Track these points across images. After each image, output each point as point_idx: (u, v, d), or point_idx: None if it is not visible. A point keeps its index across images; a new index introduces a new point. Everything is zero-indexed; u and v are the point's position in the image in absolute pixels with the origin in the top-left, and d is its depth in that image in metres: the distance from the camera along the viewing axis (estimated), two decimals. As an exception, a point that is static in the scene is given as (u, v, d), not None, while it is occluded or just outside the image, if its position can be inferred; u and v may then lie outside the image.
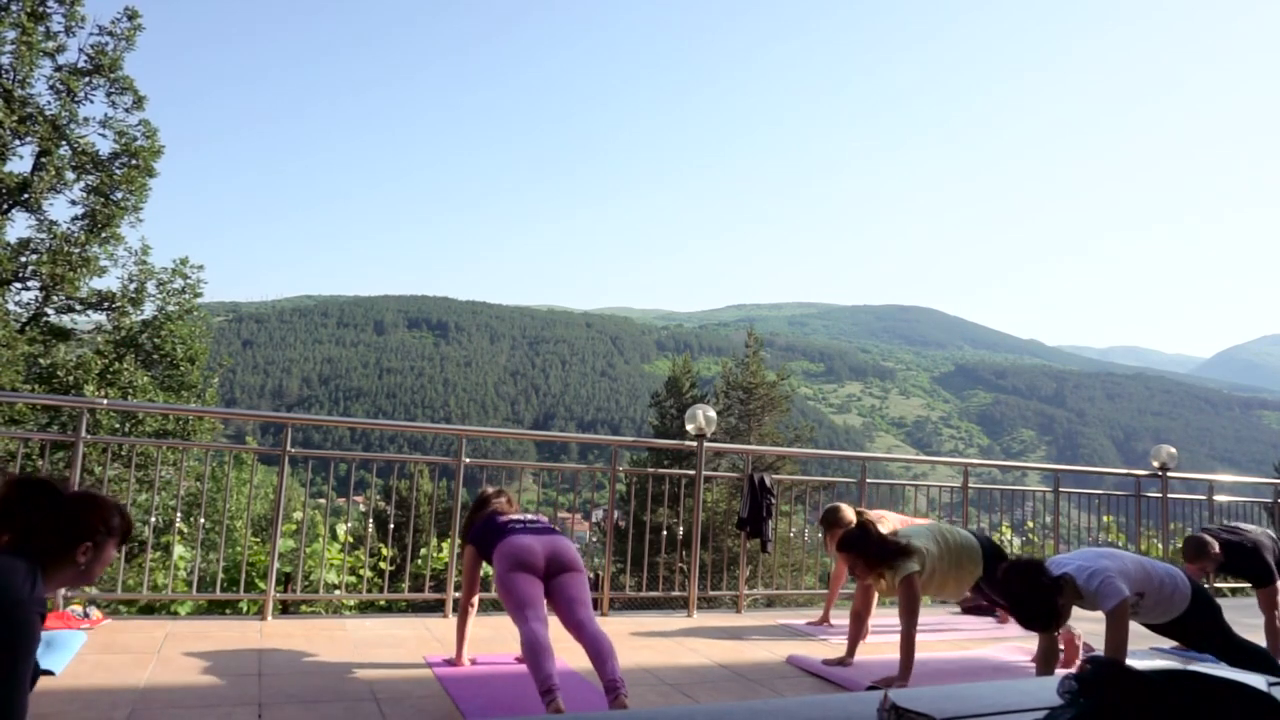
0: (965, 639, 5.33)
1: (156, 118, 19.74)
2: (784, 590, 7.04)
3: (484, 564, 3.83)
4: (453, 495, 5.51)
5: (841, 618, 5.52)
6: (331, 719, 3.13)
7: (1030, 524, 9.82)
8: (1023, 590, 3.51)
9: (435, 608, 5.75)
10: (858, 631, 4.48)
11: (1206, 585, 5.11)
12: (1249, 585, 4.99)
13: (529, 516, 3.77)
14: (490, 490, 4.06)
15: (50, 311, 16.25)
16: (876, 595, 4.61)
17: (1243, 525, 5.31)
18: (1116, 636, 3.60)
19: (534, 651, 3.15)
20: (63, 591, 4.46)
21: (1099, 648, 4.55)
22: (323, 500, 11.34)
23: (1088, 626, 5.98)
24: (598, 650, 3.25)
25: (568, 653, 3.87)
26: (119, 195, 16.36)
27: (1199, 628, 3.91)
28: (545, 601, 3.44)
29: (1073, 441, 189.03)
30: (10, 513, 2.03)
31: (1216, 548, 4.85)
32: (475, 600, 3.98)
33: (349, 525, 7.52)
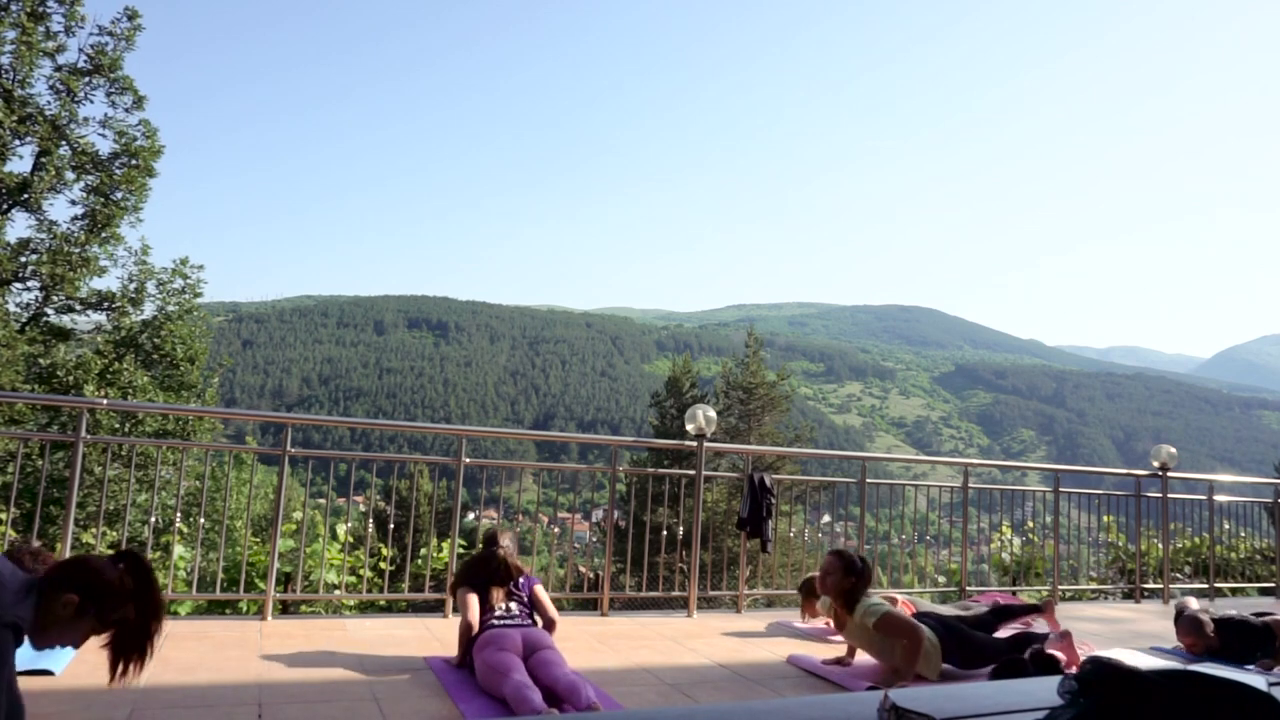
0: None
1: (156, 118, 19.73)
2: (784, 590, 7.04)
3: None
4: (453, 495, 5.50)
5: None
6: (331, 719, 3.13)
7: (1030, 524, 9.82)
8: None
9: (435, 608, 5.75)
10: None
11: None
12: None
13: (513, 610, 3.88)
14: (497, 530, 4.18)
15: (50, 311, 16.24)
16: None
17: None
18: None
19: (518, 695, 3.23)
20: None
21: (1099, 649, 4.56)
22: (323, 500, 11.34)
23: (1088, 627, 5.99)
24: (572, 688, 3.33)
25: (570, 653, 3.87)
26: (119, 195, 16.35)
27: None
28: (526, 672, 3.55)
29: (1073, 441, 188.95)
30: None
31: (1211, 629, 4.80)
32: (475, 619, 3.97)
33: (349, 525, 7.52)
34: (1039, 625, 5.22)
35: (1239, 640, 4.76)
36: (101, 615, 2.07)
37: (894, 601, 5.23)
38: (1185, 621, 4.87)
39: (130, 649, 2.09)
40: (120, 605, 2.08)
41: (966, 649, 4.36)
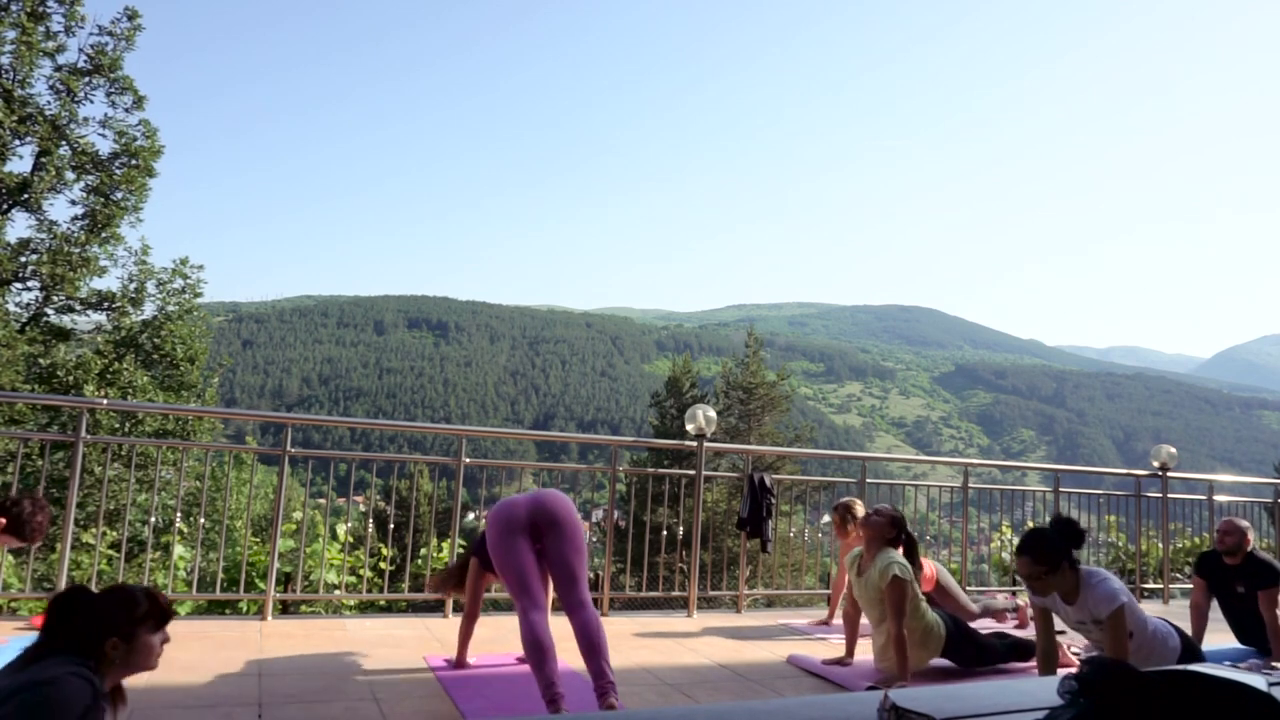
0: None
1: (156, 118, 19.74)
2: (784, 590, 7.04)
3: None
4: (453, 495, 5.50)
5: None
6: (331, 719, 3.13)
7: (1030, 524, 9.80)
8: (1040, 531, 3.62)
9: (435, 608, 5.75)
10: (853, 633, 4.50)
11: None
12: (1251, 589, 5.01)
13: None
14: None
15: (50, 311, 16.24)
16: None
17: None
18: (1115, 639, 3.57)
19: (537, 651, 3.12)
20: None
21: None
22: (323, 500, 11.34)
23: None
24: (589, 641, 3.19)
25: (568, 653, 3.87)
26: (119, 195, 16.35)
27: None
28: (539, 573, 3.34)
29: (1073, 441, 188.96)
30: (50, 625, 2.05)
31: (1250, 540, 4.95)
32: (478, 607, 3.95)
33: (349, 525, 7.52)
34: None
35: (1257, 561, 4.90)
36: (160, 619, 2.16)
37: (921, 568, 5.34)
38: (1228, 521, 5.00)
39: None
40: (144, 606, 2.14)
41: (972, 649, 4.38)
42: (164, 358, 16.47)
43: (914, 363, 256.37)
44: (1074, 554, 3.56)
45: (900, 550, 4.29)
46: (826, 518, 8.62)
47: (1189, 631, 5.22)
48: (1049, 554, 3.50)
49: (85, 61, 16.05)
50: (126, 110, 16.50)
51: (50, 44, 15.71)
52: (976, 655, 4.40)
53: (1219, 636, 5.24)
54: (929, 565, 5.69)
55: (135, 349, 16.26)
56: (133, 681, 3.39)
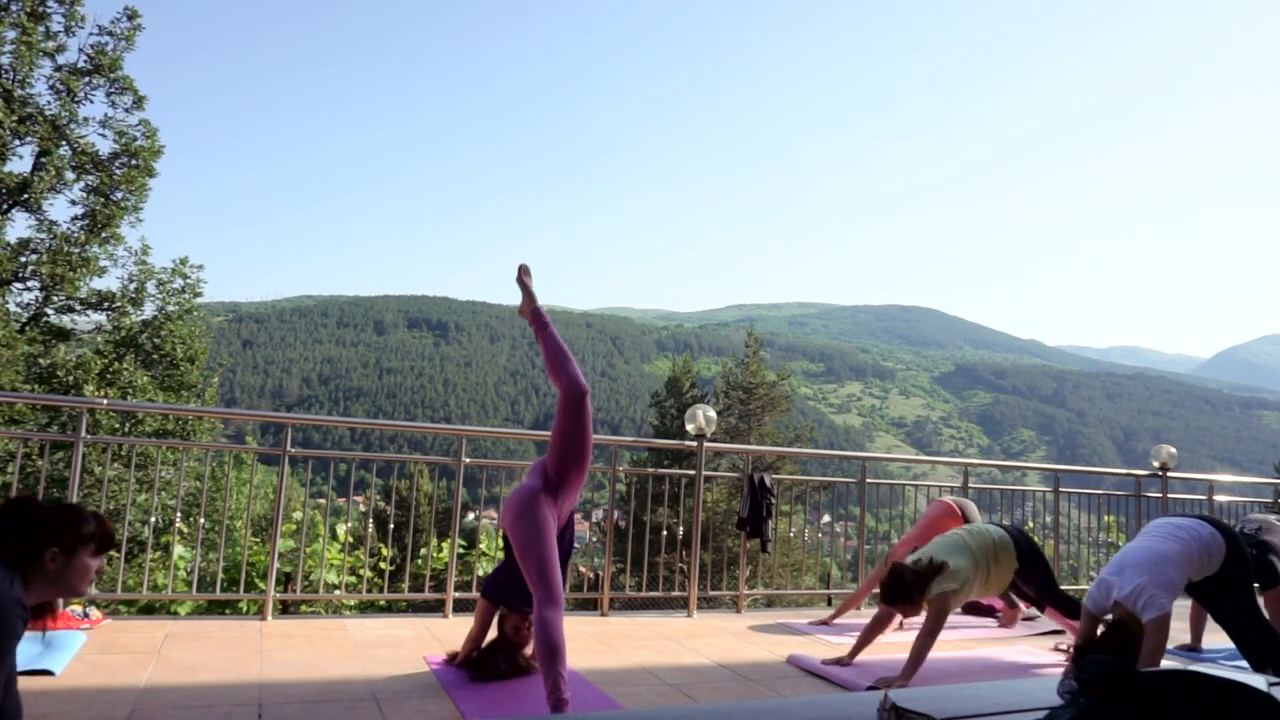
0: (965, 639, 5.33)
1: (156, 118, 19.72)
2: (784, 590, 7.04)
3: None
4: (453, 495, 5.50)
5: (846, 620, 5.52)
6: (331, 719, 3.13)
7: (1030, 524, 9.80)
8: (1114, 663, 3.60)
9: (435, 608, 5.75)
10: (870, 636, 4.40)
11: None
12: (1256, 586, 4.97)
13: None
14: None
15: (50, 311, 16.23)
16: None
17: (1255, 515, 5.18)
18: (1154, 644, 3.51)
19: (549, 652, 3.12)
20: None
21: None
22: (323, 500, 11.35)
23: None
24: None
25: (571, 653, 3.86)
26: (119, 195, 16.33)
27: (1227, 589, 3.91)
28: (559, 562, 3.41)
29: (1073, 441, 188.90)
30: None
31: None
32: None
33: (349, 525, 7.52)
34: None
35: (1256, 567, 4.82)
36: (100, 545, 2.20)
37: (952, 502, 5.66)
38: None
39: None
40: (91, 527, 2.17)
41: (1044, 565, 4.50)
42: (164, 358, 16.46)
43: (914, 363, 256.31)
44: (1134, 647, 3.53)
45: (932, 576, 4.15)
46: (826, 517, 8.62)
47: (1189, 635, 5.21)
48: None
49: (85, 61, 16.04)
50: (126, 110, 16.49)
51: (50, 44, 15.69)
52: (1047, 574, 4.48)
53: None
54: (953, 503, 5.72)
55: (135, 349, 16.25)
56: (132, 681, 3.40)
